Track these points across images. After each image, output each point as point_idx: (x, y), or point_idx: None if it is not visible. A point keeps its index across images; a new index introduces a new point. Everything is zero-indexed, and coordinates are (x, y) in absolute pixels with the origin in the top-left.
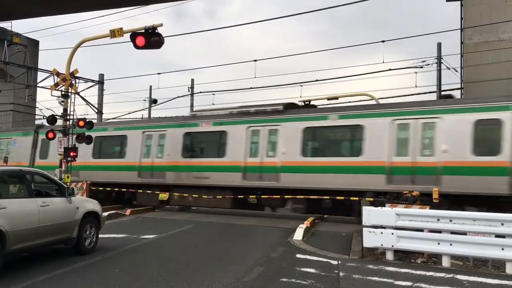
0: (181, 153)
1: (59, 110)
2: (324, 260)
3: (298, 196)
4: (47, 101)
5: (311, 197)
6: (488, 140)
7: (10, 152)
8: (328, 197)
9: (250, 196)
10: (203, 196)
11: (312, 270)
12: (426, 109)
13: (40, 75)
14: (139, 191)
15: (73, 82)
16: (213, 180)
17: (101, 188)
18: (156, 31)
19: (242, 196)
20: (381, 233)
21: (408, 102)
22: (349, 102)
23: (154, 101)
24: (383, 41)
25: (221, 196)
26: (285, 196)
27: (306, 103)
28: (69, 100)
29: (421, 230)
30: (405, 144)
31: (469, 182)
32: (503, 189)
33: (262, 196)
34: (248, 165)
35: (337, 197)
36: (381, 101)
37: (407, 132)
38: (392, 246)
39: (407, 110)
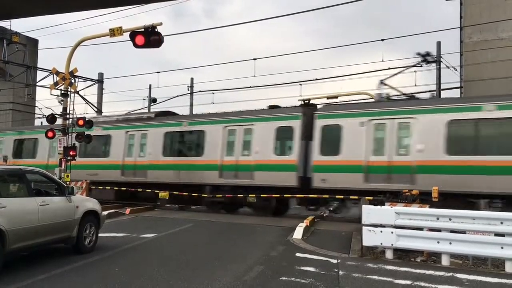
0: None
1: (58, 109)
2: (324, 259)
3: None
4: (46, 100)
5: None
6: (285, 143)
7: None
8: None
9: (250, 195)
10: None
11: (311, 269)
12: (246, 117)
13: (40, 74)
14: None
15: (73, 81)
16: (100, 176)
17: None
18: (156, 30)
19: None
20: (381, 232)
21: (236, 111)
22: (349, 101)
23: (153, 100)
24: (382, 40)
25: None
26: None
27: (305, 102)
28: (68, 99)
29: (420, 228)
30: (232, 146)
31: (273, 177)
32: (293, 181)
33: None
34: (125, 163)
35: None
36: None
37: (234, 136)
38: (392, 244)
39: (234, 119)
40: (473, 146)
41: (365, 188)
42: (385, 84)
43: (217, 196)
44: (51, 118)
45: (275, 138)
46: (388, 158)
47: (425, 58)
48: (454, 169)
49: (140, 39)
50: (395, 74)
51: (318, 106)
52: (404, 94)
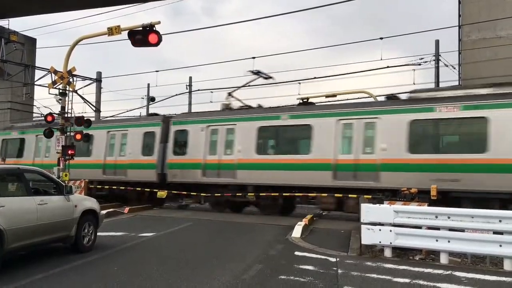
0: (2, 154)
1: (57, 108)
2: (323, 257)
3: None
4: (45, 99)
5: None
6: (149, 145)
7: None
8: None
9: (249, 194)
10: None
11: (310, 267)
12: (123, 124)
13: (38, 73)
14: None
15: (71, 80)
16: None
17: None
18: (154, 28)
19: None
20: (380, 230)
21: (116, 119)
22: (348, 99)
23: (152, 99)
24: (381, 38)
25: None
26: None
27: (304, 100)
28: (66, 98)
29: (419, 227)
30: (112, 148)
31: (140, 174)
32: (154, 177)
33: None
34: (35, 163)
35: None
36: (379, 99)
37: (114, 140)
38: (390, 243)
39: (114, 125)
40: (275, 148)
41: (203, 182)
42: (232, 96)
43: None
44: (48, 132)
45: (143, 141)
46: (219, 157)
47: (259, 74)
48: (263, 166)
49: (138, 38)
50: (239, 88)
51: (174, 115)
52: (246, 105)
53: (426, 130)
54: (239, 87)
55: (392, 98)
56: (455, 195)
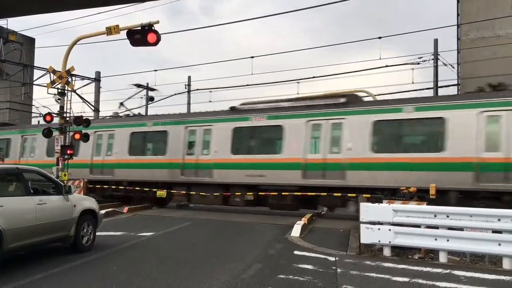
0: None
1: (55, 108)
2: (322, 256)
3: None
4: (43, 99)
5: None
6: (52, 147)
7: None
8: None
9: (247, 193)
10: None
11: (309, 267)
12: (34, 129)
13: (37, 73)
14: None
15: (70, 79)
16: None
17: None
18: (153, 28)
19: None
20: (379, 229)
21: (32, 125)
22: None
23: (151, 99)
24: (379, 38)
25: None
26: None
27: (232, 108)
28: (65, 97)
29: (418, 226)
30: (24, 150)
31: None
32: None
33: None
34: None
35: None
36: (378, 98)
37: (26, 142)
38: (390, 242)
39: (27, 130)
40: (142, 150)
41: (90, 178)
42: (123, 105)
43: None
44: (48, 132)
45: (48, 144)
46: (102, 158)
47: (141, 87)
48: (134, 165)
49: (137, 37)
50: (129, 98)
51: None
52: (134, 114)
53: (244, 135)
54: (129, 97)
55: (233, 108)
56: (263, 188)
